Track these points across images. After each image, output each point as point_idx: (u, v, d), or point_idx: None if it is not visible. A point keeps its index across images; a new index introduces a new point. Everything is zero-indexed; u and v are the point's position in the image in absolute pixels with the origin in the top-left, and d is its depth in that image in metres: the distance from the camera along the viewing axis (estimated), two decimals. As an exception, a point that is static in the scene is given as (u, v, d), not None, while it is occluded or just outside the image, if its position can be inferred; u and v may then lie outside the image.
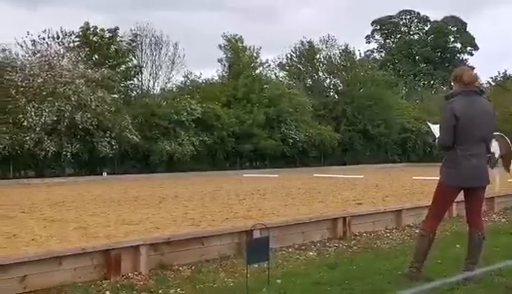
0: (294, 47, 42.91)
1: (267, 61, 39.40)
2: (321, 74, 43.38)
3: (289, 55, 43.13)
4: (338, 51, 42.51)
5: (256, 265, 6.22)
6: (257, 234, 7.12)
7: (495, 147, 12.92)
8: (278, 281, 5.97)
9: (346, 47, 42.33)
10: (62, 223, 10.14)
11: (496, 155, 13.48)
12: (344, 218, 8.93)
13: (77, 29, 29.86)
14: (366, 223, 9.42)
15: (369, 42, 67.03)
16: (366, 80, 41.41)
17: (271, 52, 62.65)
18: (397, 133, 41.35)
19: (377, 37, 67.46)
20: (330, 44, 42.62)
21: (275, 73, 41.69)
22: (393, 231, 9.33)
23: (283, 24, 59.17)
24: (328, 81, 43.61)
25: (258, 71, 37.89)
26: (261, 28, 55.98)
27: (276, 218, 9.98)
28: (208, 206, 12.79)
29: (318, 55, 42.90)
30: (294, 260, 7.31)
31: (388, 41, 67.39)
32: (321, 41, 42.71)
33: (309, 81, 43.10)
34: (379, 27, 66.92)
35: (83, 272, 6.25)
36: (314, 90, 41.36)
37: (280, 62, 43.11)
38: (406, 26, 67.31)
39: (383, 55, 65.76)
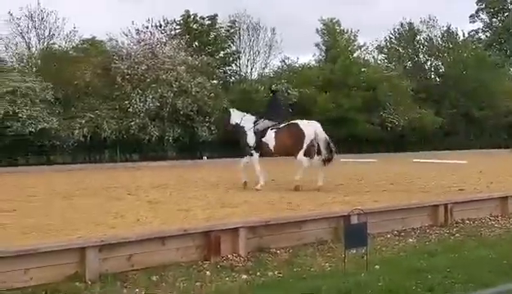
0: (394, 29, 41.81)
1: (364, 44, 38.74)
2: (421, 56, 41.97)
3: (387, 38, 42.09)
4: (439, 32, 40.98)
5: (354, 251, 6.20)
6: (354, 220, 7.08)
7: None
8: (376, 267, 5.92)
9: (448, 28, 40.70)
10: (165, 205, 10.55)
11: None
12: (446, 205, 8.68)
13: (178, 18, 30.79)
14: (469, 210, 9.10)
15: (473, 22, 63.77)
16: (470, 61, 39.55)
17: (370, 35, 61.18)
18: (503, 116, 39.22)
19: (482, 16, 64.02)
20: (430, 25, 41.14)
21: (373, 57, 40.86)
22: (498, 219, 8.94)
23: (381, 6, 57.70)
24: (429, 63, 42.10)
25: (355, 54, 37.30)
26: (358, 10, 54.86)
27: (374, 204, 9.84)
28: (305, 190, 12.79)
29: (418, 37, 41.52)
30: (392, 246, 7.20)
31: (494, 20, 63.80)
32: (421, 22, 41.32)
33: (409, 63, 41.82)
34: (484, 5, 63.47)
35: (185, 252, 6.49)
36: (414, 73, 40.06)
37: (379, 45, 42.15)
38: (515, 3, 63.38)
39: (488, 35, 62.42)
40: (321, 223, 7.59)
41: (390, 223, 8.14)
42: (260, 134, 13.40)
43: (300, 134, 12.84)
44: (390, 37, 42.10)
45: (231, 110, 14.58)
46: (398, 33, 41.87)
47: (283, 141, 13.03)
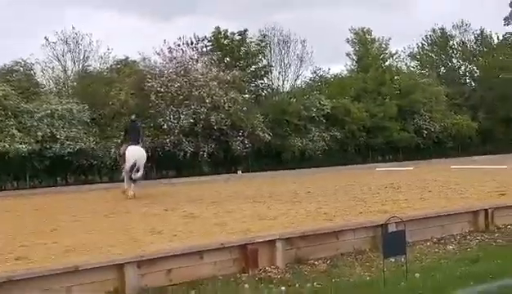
0: (426, 35, 41.40)
1: (396, 52, 38.44)
2: (455, 61, 41.41)
3: (420, 44, 41.70)
4: (473, 36, 40.38)
5: (393, 259, 6.12)
6: (392, 228, 7.00)
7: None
8: (417, 275, 5.83)
9: (482, 32, 40.06)
10: (201, 219, 10.61)
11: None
12: (486, 210, 8.51)
13: (209, 35, 31.10)
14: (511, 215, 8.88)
15: (508, 24, 62.65)
16: (507, 65, 38.79)
17: (401, 42, 60.66)
18: (543, 119, 38.26)
19: (517, 17, 62.91)
20: (463, 29, 40.59)
21: (405, 64, 40.51)
22: (543, 224, 8.71)
23: (412, 13, 57.24)
24: (463, 68, 41.51)
25: (387, 62, 37.04)
26: (389, 18, 54.55)
27: (411, 211, 9.71)
28: (341, 200, 12.72)
29: (451, 42, 41.00)
30: (432, 254, 7.09)
31: (529, 21, 62.59)
32: (453, 27, 40.81)
33: (442, 69, 41.30)
34: (518, 7, 62.32)
35: (223, 266, 6.51)
36: (448, 78, 39.51)
37: (411, 52, 41.77)
38: (551, 3, 62.07)
39: (524, 36, 61.18)
40: (358, 232, 7.53)
41: (429, 230, 8.02)
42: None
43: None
44: (422, 44, 41.72)
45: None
46: (431, 39, 41.45)
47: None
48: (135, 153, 16.43)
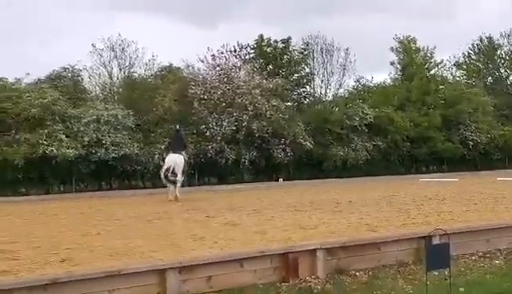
0: (472, 44, 40.61)
1: (442, 61, 37.80)
2: (502, 71, 40.45)
3: (466, 53, 40.92)
4: (522, 45, 39.39)
5: (436, 273, 6.00)
6: (436, 240, 6.87)
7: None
8: (461, 289, 5.71)
9: (531, 41, 39.04)
10: (242, 227, 10.64)
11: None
12: (535, 224, 8.25)
13: (252, 42, 31.27)
14: (562, 230, 8.60)
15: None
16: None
17: (447, 51, 59.60)
18: None
19: None
20: (512, 38, 39.63)
21: (451, 73, 39.79)
22: None
23: (459, 21, 56.25)
24: (511, 78, 40.50)
25: (432, 72, 36.47)
26: (435, 26, 53.67)
27: (456, 224, 9.50)
28: (383, 211, 12.57)
29: (499, 51, 40.09)
30: (477, 268, 6.93)
31: None
32: (501, 35, 39.92)
33: (490, 79, 40.39)
34: None
35: (263, 274, 6.51)
36: (496, 88, 38.62)
37: (457, 61, 41.01)
38: None
39: None
40: (401, 244, 7.41)
41: (474, 244, 7.84)
42: None
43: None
44: (469, 53, 40.94)
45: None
46: (478, 48, 40.64)
47: None
48: (173, 159, 17.87)
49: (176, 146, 18.54)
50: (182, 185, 18.74)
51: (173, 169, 17.61)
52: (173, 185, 17.71)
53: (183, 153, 18.46)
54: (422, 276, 6.01)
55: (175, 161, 17.80)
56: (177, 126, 20.00)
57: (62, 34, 47.94)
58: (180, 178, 17.83)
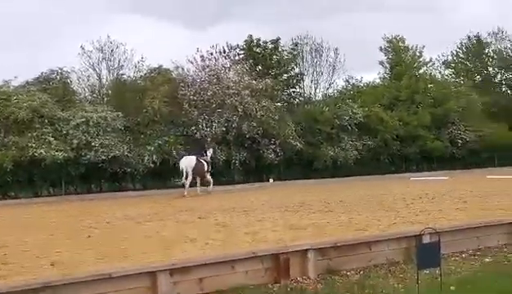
0: (460, 43, 40.83)
1: (430, 60, 37.97)
2: (491, 70, 40.70)
3: (454, 52, 41.12)
4: (509, 44, 39.64)
5: (427, 271, 6.02)
6: (426, 239, 6.89)
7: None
8: (452, 288, 5.72)
9: (519, 39, 39.27)
10: (233, 228, 10.62)
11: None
12: (524, 222, 8.30)
13: (241, 43, 31.24)
14: (551, 227, 8.65)
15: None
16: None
17: (435, 50, 59.79)
18: None
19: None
20: (500, 37, 39.93)
21: (440, 72, 39.98)
22: None
23: (447, 20, 56.47)
24: (499, 76, 40.76)
25: (421, 71, 36.62)
26: (423, 25, 53.85)
27: (446, 223, 9.55)
28: (374, 210, 12.59)
29: (487, 50, 40.34)
30: (468, 266, 6.96)
31: None
32: (489, 34, 40.17)
33: (478, 77, 40.63)
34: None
35: (255, 275, 6.50)
36: (484, 87, 38.83)
37: (445, 60, 41.22)
38: None
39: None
40: (391, 243, 7.43)
41: (464, 242, 7.87)
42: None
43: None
44: (457, 51, 41.15)
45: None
46: (466, 47, 40.86)
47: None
48: (183, 161, 21.27)
49: (195, 152, 21.95)
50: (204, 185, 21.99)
51: (185, 172, 20.76)
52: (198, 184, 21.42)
53: (198, 156, 21.44)
54: (413, 275, 6.03)
55: (185, 163, 21.00)
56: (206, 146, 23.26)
57: (51, 37, 47.73)
58: (188, 181, 20.94)
